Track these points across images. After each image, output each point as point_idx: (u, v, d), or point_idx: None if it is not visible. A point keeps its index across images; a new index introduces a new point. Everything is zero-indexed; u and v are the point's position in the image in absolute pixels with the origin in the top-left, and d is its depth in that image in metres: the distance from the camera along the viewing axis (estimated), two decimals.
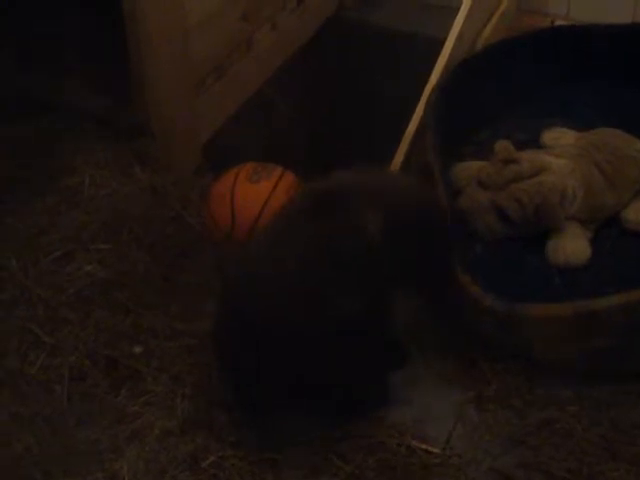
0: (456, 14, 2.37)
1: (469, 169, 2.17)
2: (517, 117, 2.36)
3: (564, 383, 1.84)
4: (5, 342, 1.97)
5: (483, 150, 2.25)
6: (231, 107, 2.51)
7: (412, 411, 1.83)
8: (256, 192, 2.10)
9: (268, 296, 1.69)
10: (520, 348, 1.85)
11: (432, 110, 2.13)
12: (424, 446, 1.77)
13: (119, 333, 1.98)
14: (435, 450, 1.77)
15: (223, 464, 1.76)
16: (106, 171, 2.33)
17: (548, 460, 1.73)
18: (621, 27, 2.41)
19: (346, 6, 2.96)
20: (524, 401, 1.82)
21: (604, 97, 2.36)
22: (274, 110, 2.59)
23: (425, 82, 2.27)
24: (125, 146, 2.37)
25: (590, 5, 2.74)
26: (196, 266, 2.13)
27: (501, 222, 2.05)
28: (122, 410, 1.85)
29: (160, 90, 2.26)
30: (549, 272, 2.02)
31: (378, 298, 1.75)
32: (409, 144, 2.18)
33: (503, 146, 2.14)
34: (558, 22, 2.76)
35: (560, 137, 2.25)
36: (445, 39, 2.33)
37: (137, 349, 1.96)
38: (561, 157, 2.12)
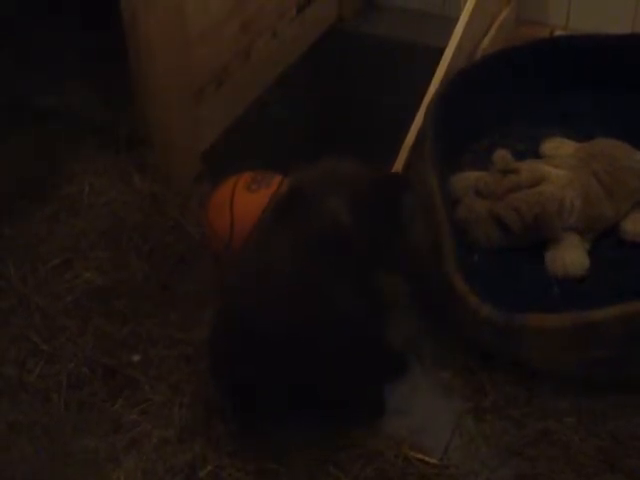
0: (455, 24, 2.37)
1: (467, 179, 2.17)
2: (516, 127, 2.36)
3: (562, 394, 1.84)
4: (3, 350, 1.98)
5: (482, 160, 2.25)
6: (230, 116, 2.51)
7: (409, 421, 1.83)
8: (255, 201, 2.09)
9: (260, 302, 1.70)
10: (518, 358, 1.85)
11: (430, 120, 2.13)
12: (421, 456, 1.77)
13: (117, 341, 1.98)
14: (432, 461, 1.77)
15: (221, 474, 1.76)
16: (105, 179, 2.34)
17: (545, 472, 1.73)
18: (621, 37, 2.42)
19: (345, 15, 2.97)
20: (522, 412, 1.82)
21: (604, 107, 2.37)
22: (273, 119, 2.59)
23: (424, 92, 2.27)
24: (124, 154, 2.37)
25: (590, 15, 2.75)
26: (195, 275, 2.13)
27: (499, 232, 2.05)
28: (120, 419, 1.85)
29: (160, 99, 2.26)
30: (547, 282, 2.02)
31: (366, 282, 1.77)
32: (408, 153, 2.18)
33: (501, 156, 2.14)
34: (557, 32, 2.76)
35: (559, 147, 2.25)
36: (444, 49, 2.33)
37: (135, 358, 1.96)
38: (560, 167, 2.12)
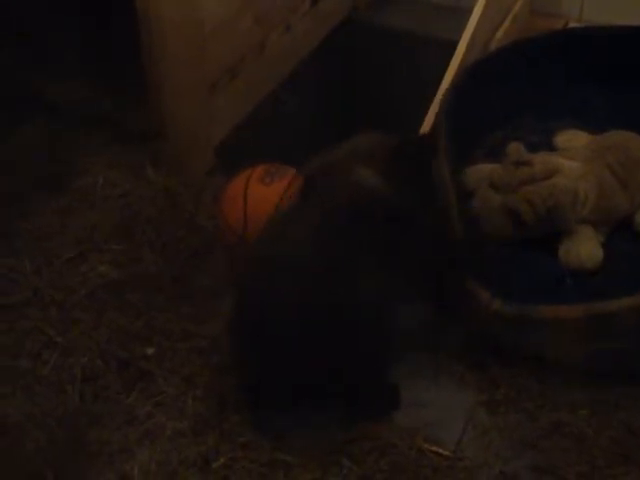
0: (469, 16, 2.37)
1: (481, 171, 2.17)
2: (530, 119, 2.35)
3: (575, 386, 1.84)
4: (18, 343, 1.98)
5: (495, 152, 2.25)
6: (244, 109, 2.51)
7: (423, 414, 1.83)
8: (269, 194, 2.09)
9: (279, 288, 1.70)
10: (530, 351, 1.85)
11: (444, 112, 2.13)
12: (435, 449, 1.77)
13: (131, 334, 1.99)
14: (446, 453, 1.77)
15: (234, 465, 1.76)
16: (119, 172, 2.34)
17: (559, 463, 1.73)
18: (636, 28, 2.40)
19: (359, 8, 2.96)
20: (535, 404, 1.82)
21: (618, 99, 2.35)
22: (287, 112, 2.59)
23: (438, 84, 2.27)
24: (138, 148, 2.37)
25: (604, 6, 2.74)
26: (208, 267, 2.14)
27: (513, 224, 2.05)
28: (133, 411, 1.86)
29: (174, 92, 2.26)
30: (561, 274, 2.02)
31: (392, 262, 1.74)
32: None
33: (515, 148, 2.14)
34: (571, 24, 2.76)
35: (572, 139, 2.25)
36: (458, 41, 2.33)
37: (149, 350, 1.96)
38: (573, 159, 2.11)
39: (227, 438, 1.80)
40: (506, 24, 2.57)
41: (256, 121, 2.51)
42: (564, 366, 1.85)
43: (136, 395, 1.89)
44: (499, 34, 2.53)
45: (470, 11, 2.38)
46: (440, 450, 1.77)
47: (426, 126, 2.21)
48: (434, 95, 2.25)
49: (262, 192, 2.11)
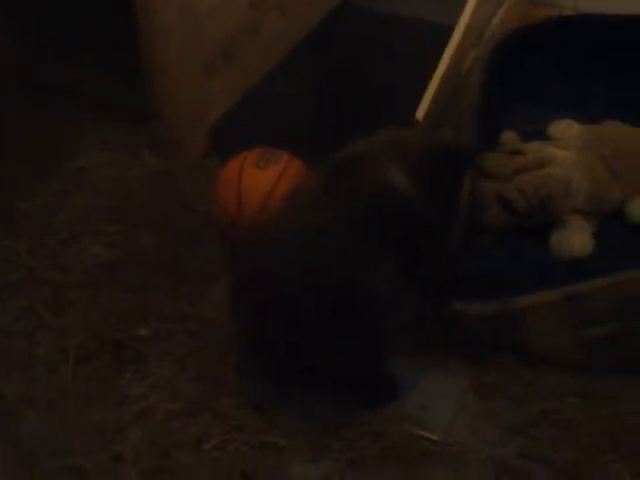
0: (465, 2, 2.36)
1: None
2: (525, 108, 2.35)
3: (564, 374, 1.86)
4: (12, 323, 1.99)
5: (488, 141, 2.25)
6: (239, 92, 2.51)
7: (414, 399, 1.85)
8: (263, 178, 2.10)
9: (294, 269, 1.71)
10: (517, 345, 1.87)
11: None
12: (425, 434, 1.79)
13: (125, 315, 2.00)
14: (435, 438, 1.79)
15: (226, 447, 1.78)
16: (115, 154, 2.35)
17: (547, 450, 1.75)
18: (634, 18, 2.40)
19: None
20: (525, 392, 1.84)
21: (614, 89, 2.35)
22: (282, 95, 2.59)
23: (433, 70, 2.27)
24: (134, 129, 2.37)
25: None
26: (203, 249, 2.15)
27: (506, 213, 2.06)
28: (127, 392, 1.87)
29: (170, 74, 2.26)
30: (552, 263, 2.03)
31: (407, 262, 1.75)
32: None
33: (509, 137, 2.15)
34: (566, 13, 2.75)
35: (566, 129, 2.25)
36: (453, 27, 2.32)
37: (143, 331, 1.97)
38: (567, 149, 2.12)
39: (220, 420, 1.81)
40: (502, 12, 2.57)
41: (251, 104, 2.51)
42: (551, 358, 1.86)
43: (129, 376, 1.90)
44: (495, 21, 2.53)
45: None
46: (430, 435, 1.79)
47: (421, 111, 2.21)
48: (429, 80, 2.25)
49: (257, 176, 2.11)
